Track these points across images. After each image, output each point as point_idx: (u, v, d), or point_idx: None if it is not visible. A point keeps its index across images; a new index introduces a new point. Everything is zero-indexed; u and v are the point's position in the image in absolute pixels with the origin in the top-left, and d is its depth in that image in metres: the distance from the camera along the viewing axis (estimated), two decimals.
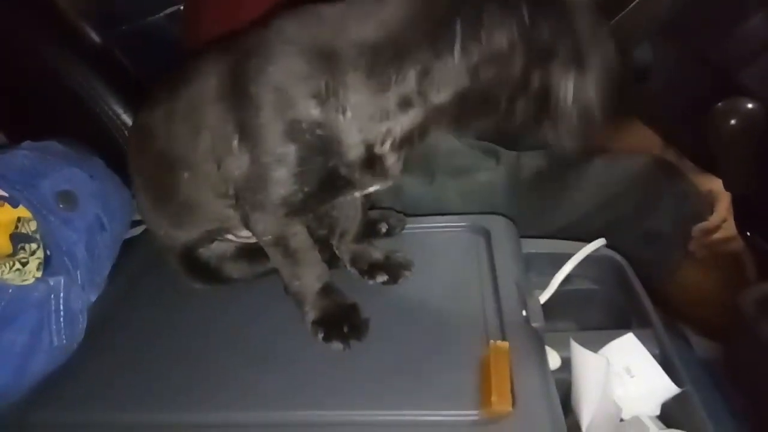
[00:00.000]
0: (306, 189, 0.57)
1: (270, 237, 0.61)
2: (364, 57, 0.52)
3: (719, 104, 0.76)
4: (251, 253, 0.70)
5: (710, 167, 0.90)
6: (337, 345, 0.60)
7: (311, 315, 0.62)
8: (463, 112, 0.54)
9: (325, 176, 0.57)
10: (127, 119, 0.94)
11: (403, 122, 0.54)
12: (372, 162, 0.57)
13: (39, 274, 0.58)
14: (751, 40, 0.77)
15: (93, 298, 0.66)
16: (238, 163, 0.57)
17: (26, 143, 0.71)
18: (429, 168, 0.95)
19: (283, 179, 0.56)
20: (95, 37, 1.01)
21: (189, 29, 0.98)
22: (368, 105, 0.54)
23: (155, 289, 0.73)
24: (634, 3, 0.77)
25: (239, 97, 0.56)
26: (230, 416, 0.55)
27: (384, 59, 0.52)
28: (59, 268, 0.61)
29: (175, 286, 0.71)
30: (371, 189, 0.62)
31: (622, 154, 0.94)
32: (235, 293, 0.70)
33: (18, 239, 0.58)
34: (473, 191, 0.94)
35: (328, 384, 0.56)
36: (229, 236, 0.70)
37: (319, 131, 0.54)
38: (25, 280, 0.57)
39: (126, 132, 0.93)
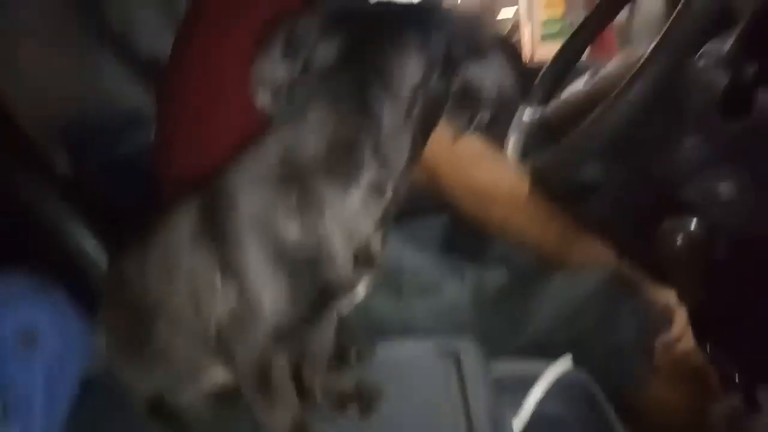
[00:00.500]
0: (298, 312, 0.57)
1: (252, 370, 0.60)
2: (320, 164, 0.54)
3: (665, 223, 0.81)
4: (222, 399, 0.69)
5: (663, 280, 0.94)
6: None
7: None
8: (419, 145, 0.57)
9: (316, 292, 0.57)
10: (97, 253, 0.94)
11: (381, 203, 0.56)
12: (359, 255, 0.58)
13: None
14: (689, 160, 0.84)
15: None
16: (223, 300, 0.57)
17: None
18: (395, 287, 0.96)
19: (273, 307, 0.56)
20: (66, 168, 1.02)
21: (161, 164, 0.99)
22: (344, 205, 0.55)
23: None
24: (584, 123, 0.83)
25: (216, 234, 0.57)
26: None
27: (337, 157, 0.54)
28: (16, 416, 0.59)
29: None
30: (361, 285, 0.61)
31: (579, 268, 0.97)
32: None
33: None
34: (440, 309, 0.95)
35: None
36: (202, 380, 0.68)
37: (303, 250, 0.55)
38: None
39: (93, 265, 0.92)
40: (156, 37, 1.24)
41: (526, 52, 4.01)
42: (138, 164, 1.07)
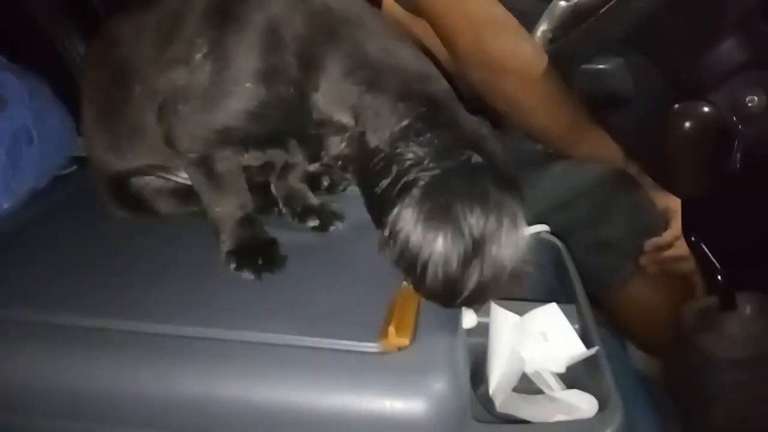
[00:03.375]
0: (252, 131, 0.56)
1: (195, 156, 0.59)
2: (352, 59, 0.53)
3: (676, 106, 0.76)
4: (184, 191, 0.68)
5: (667, 183, 0.89)
6: (247, 274, 0.57)
7: (227, 245, 0.60)
8: None
9: (274, 131, 0.56)
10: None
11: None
12: (314, 140, 0.56)
13: None
14: (722, 63, 0.77)
15: (5, 206, 0.64)
16: (187, 73, 0.55)
17: None
18: None
19: (234, 111, 0.55)
20: None
21: None
22: (335, 92, 0.54)
23: (84, 215, 0.71)
24: (603, 9, 0.77)
25: (229, 18, 0.55)
26: (138, 325, 0.52)
27: (363, 73, 0.53)
28: None
29: (104, 215, 0.69)
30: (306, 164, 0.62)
31: (583, 159, 0.93)
32: (157, 226, 0.68)
33: None
34: None
35: (233, 305, 0.54)
36: (166, 175, 0.68)
37: (291, 89, 0.54)
38: None
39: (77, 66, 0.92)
40: None
41: None
42: None
